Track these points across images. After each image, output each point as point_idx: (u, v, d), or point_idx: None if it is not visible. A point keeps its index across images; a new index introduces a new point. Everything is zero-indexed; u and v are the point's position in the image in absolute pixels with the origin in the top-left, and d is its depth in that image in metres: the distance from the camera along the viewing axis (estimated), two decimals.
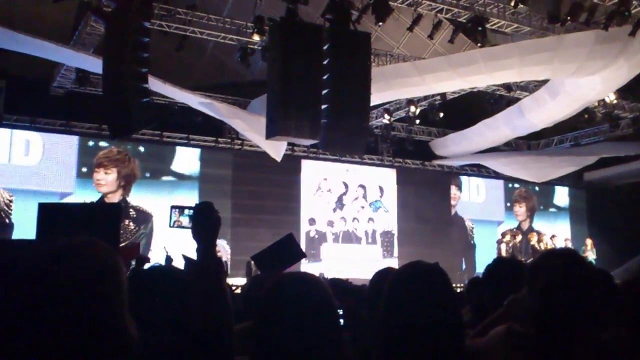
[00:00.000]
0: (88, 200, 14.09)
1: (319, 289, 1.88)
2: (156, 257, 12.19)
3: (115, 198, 14.56)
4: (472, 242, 18.69)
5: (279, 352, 1.77)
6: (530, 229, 19.10)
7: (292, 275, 2.07)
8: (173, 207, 2.70)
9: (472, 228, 18.80)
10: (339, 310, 1.93)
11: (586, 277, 2.25)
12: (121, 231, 13.44)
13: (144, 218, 14.77)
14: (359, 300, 4.10)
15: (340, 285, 5.45)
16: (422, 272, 2.16)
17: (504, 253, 16.76)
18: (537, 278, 2.29)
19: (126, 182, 14.78)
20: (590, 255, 17.09)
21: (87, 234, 1.68)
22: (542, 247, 17.01)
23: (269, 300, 1.88)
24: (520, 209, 19.60)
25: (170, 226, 2.69)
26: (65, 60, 12.13)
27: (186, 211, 2.66)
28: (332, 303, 1.88)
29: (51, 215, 3.25)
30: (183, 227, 2.64)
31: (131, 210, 14.62)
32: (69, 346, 1.47)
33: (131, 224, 14.60)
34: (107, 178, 14.65)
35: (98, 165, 14.58)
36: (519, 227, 19.14)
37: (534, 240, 17.47)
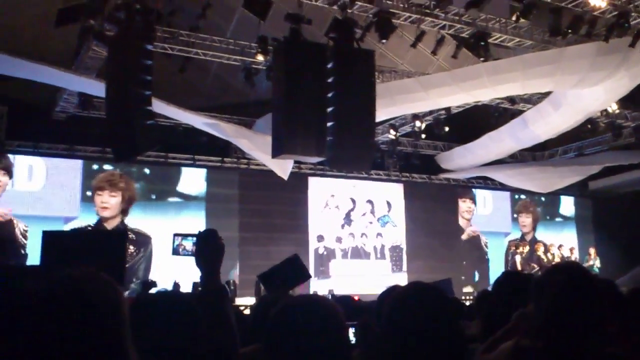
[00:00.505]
0: (92, 224, 14.15)
1: (327, 310, 1.88)
2: (158, 281, 12.22)
3: (115, 222, 14.54)
4: (485, 256, 18.62)
5: None
6: (535, 240, 19.04)
7: (300, 298, 2.06)
8: (176, 234, 2.69)
9: (487, 242, 18.74)
10: (350, 329, 1.93)
11: (591, 292, 2.26)
12: (130, 260, 13.40)
13: (143, 241, 14.69)
14: (370, 316, 4.09)
15: (348, 303, 5.45)
16: (421, 292, 2.14)
17: (518, 264, 16.68)
18: (543, 294, 2.30)
19: (127, 205, 14.78)
20: (594, 264, 17.06)
21: (93, 262, 1.68)
22: (550, 258, 16.99)
23: (276, 324, 1.87)
24: (527, 220, 19.55)
25: (172, 254, 2.68)
26: (68, 85, 12.16)
27: (189, 238, 2.65)
28: (341, 323, 1.87)
29: (55, 242, 3.24)
30: (186, 255, 2.64)
31: (130, 233, 14.57)
32: None
33: (131, 247, 14.56)
34: (111, 201, 14.63)
35: (100, 189, 14.56)
36: (522, 239, 19.06)
37: (540, 251, 17.43)
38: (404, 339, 1.99)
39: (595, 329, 2.20)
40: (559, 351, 2.19)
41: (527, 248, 17.58)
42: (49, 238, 3.12)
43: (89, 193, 14.58)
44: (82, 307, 1.52)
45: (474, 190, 18.95)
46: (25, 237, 13.62)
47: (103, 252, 3.10)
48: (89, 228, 14.01)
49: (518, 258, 17.13)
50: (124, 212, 14.71)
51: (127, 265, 13.92)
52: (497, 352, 2.50)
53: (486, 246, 18.72)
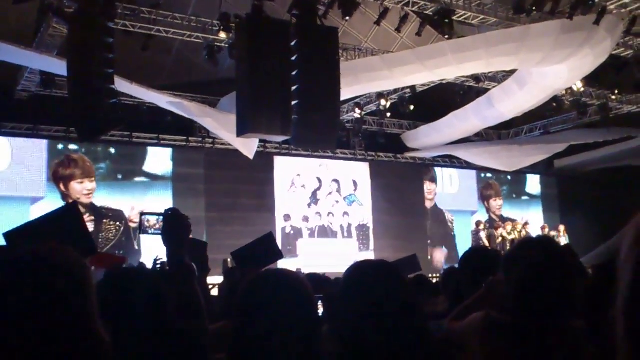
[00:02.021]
0: (58, 205, 13.95)
1: (297, 284, 1.88)
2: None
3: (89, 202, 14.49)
4: (452, 233, 18.81)
5: (258, 348, 1.76)
6: (503, 218, 19.27)
7: (269, 272, 2.06)
8: (142, 213, 2.67)
9: (452, 219, 18.92)
10: (318, 304, 1.92)
11: (563, 268, 2.26)
12: (103, 234, 13.41)
13: (118, 215, 14.72)
14: (336, 291, 4.09)
15: (318, 280, 5.46)
16: (371, 269, 2.13)
17: (486, 241, 16.84)
18: (514, 268, 2.30)
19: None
20: (563, 240, 17.32)
21: (62, 242, 1.65)
22: (516, 236, 17.19)
23: (246, 297, 1.86)
24: (498, 202, 19.76)
25: (140, 233, 2.68)
26: (29, 63, 11.92)
27: (156, 217, 2.64)
28: (311, 297, 1.88)
29: (18, 239, 3.16)
30: (156, 234, 2.62)
31: (104, 210, 14.49)
32: (38, 355, 1.43)
33: (111, 222, 14.51)
34: (93, 186, 14.63)
35: (76, 177, 14.43)
36: (491, 219, 19.24)
37: (508, 228, 17.62)
38: (359, 315, 1.98)
39: (565, 305, 2.19)
40: (527, 326, 2.20)
41: (499, 230, 17.68)
42: (11, 238, 3.02)
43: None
44: (45, 282, 1.47)
45: (434, 169, 19.06)
46: None
47: (65, 230, 3.04)
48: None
49: (483, 235, 17.27)
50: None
51: (116, 240, 14.13)
52: (466, 322, 2.50)
53: (452, 223, 18.91)
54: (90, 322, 1.53)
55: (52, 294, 1.49)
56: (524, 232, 17.47)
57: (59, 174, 14.37)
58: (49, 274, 1.51)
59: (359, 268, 2.12)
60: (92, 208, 14.45)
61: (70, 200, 13.84)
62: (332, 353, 2.01)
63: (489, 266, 3.37)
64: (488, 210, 19.62)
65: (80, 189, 14.43)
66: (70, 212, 3.26)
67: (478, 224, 18.11)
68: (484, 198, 19.69)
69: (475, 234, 17.93)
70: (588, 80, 13.77)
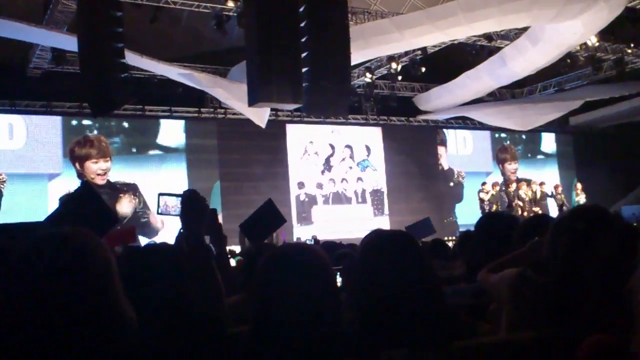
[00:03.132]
0: (75, 181, 14.09)
1: (315, 257, 1.90)
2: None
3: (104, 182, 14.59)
4: (464, 195, 18.77)
5: (279, 322, 1.79)
6: (518, 179, 19.16)
7: (287, 246, 2.11)
8: (161, 194, 2.70)
9: (464, 181, 18.84)
10: (336, 276, 1.96)
11: (610, 244, 2.22)
12: (132, 209, 13.60)
13: (134, 188, 14.83)
14: (353, 261, 4.13)
15: (333, 248, 5.50)
16: (383, 240, 2.15)
17: (489, 202, 16.79)
18: (561, 237, 2.32)
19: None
20: (581, 198, 17.26)
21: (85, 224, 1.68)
22: (530, 196, 17.13)
23: (265, 272, 1.89)
24: (515, 165, 19.63)
25: (157, 213, 2.71)
26: (40, 40, 11.94)
27: (174, 198, 2.66)
28: (329, 269, 1.91)
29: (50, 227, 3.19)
30: (171, 215, 2.65)
31: (119, 186, 14.60)
32: (66, 333, 1.48)
33: (132, 197, 14.64)
34: (108, 165, 14.72)
35: (91, 157, 14.52)
36: (505, 181, 19.09)
37: (523, 189, 17.55)
38: (376, 285, 2.01)
39: (609, 282, 2.19)
40: (564, 289, 2.22)
41: (497, 188, 17.56)
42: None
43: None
44: (72, 261, 1.53)
45: (444, 131, 18.93)
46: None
47: (86, 209, 3.08)
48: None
49: (484, 196, 17.17)
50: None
51: (139, 214, 14.24)
52: (499, 275, 2.58)
53: (464, 185, 18.84)
54: (115, 299, 1.56)
55: (77, 272, 1.53)
56: (539, 193, 17.41)
57: (75, 154, 14.47)
58: (74, 254, 1.55)
59: (375, 238, 2.14)
60: (107, 185, 14.55)
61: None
62: (351, 322, 2.04)
63: (504, 231, 3.37)
64: (503, 173, 19.52)
65: (96, 168, 14.53)
66: (86, 190, 3.29)
67: (482, 185, 18.01)
68: (499, 161, 19.59)
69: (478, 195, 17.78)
70: (603, 34, 13.52)
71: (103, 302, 1.54)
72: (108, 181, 14.63)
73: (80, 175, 14.33)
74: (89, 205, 3.08)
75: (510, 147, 19.82)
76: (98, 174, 14.51)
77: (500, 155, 19.64)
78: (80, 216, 2.87)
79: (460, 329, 2.15)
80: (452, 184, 18.68)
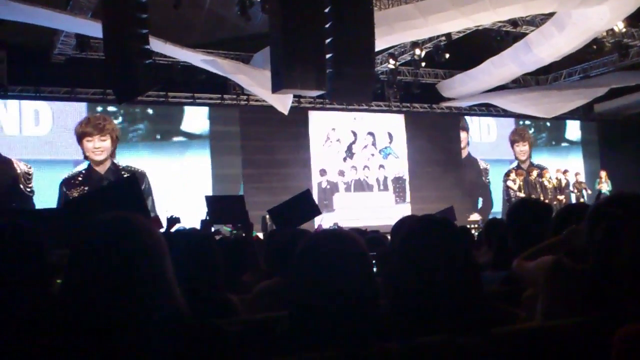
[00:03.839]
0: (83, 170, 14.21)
1: (353, 242, 1.93)
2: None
3: (107, 164, 14.57)
4: (487, 182, 18.66)
5: (319, 306, 1.81)
6: (532, 165, 19.01)
7: (326, 231, 2.11)
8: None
9: (487, 168, 18.74)
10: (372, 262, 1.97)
11: None
12: None
13: (141, 176, 14.62)
14: (388, 246, 4.15)
15: (360, 234, 5.49)
16: (431, 225, 2.15)
17: (517, 190, 16.64)
18: (599, 223, 2.28)
19: (115, 146, 14.75)
20: (605, 187, 17.08)
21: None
22: (549, 183, 16.97)
23: (305, 256, 1.91)
24: (525, 147, 19.42)
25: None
26: (64, 27, 11.99)
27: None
28: (366, 253, 1.93)
29: (77, 209, 3.23)
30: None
31: (123, 172, 14.60)
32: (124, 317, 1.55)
33: None
34: (103, 145, 14.58)
35: (89, 134, 14.45)
36: (519, 167, 18.92)
37: (534, 176, 17.40)
38: (416, 272, 2.01)
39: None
40: (601, 276, 2.20)
41: (522, 177, 17.43)
42: (70, 207, 3.12)
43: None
44: (136, 241, 1.62)
45: (465, 118, 18.77)
46: (28, 179, 13.70)
47: (125, 202, 3.12)
48: (82, 173, 14.17)
49: (512, 184, 17.04)
50: (113, 153, 14.71)
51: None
52: (536, 263, 2.57)
53: (486, 173, 18.72)
54: (167, 276, 1.62)
55: (140, 250, 1.62)
56: (554, 181, 17.22)
57: (77, 133, 14.48)
58: (137, 233, 1.65)
59: (416, 222, 2.13)
60: (111, 168, 14.59)
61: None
62: (388, 307, 2.04)
63: (536, 218, 3.35)
64: (515, 157, 19.36)
65: (90, 146, 14.46)
66: (130, 184, 3.32)
67: (509, 173, 17.86)
68: (511, 143, 19.42)
69: (506, 182, 17.67)
70: (630, 20, 13.30)
71: (157, 276, 1.61)
72: (114, 164, 14.64)
73: (85, 155, 14.43)
74: (130, 199, 3.11)
75: (521, 128, 19.56)
76: (93, 152, 14.43)
77: (512, 138, 19.45)
78: (117, 205, 2.91)
79: (498, 316, 2.14)
80: (475, 172, 18.56)
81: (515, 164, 19.02)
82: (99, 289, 1.53)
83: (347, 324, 1.77)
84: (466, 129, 18.79)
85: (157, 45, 10.85)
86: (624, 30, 13.91)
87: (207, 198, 5.65)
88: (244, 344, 1.85)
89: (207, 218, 5.14)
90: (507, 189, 17.12)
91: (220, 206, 5.67)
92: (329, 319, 1.77)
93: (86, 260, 1.58)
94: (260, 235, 12.03)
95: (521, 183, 16.96)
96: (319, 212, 5.45)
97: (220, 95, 15.64)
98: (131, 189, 3.20)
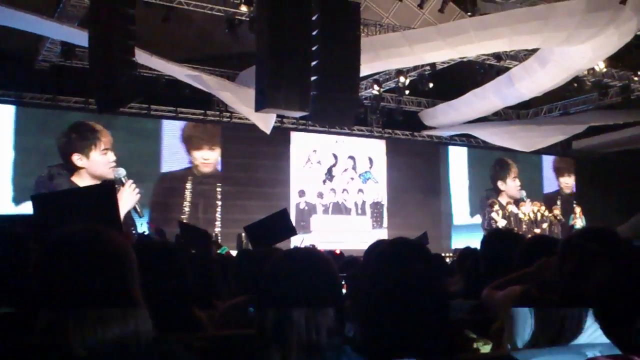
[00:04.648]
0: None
1: (323, 262, 1.91)
2: None
3: None
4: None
5: (284, 324, 1.78)
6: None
7: (296, 250, 2.11)
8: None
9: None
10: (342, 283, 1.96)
11: (621, 268, 2.21)
12: None
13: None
14: (357, 269, 4.14)
15: (334, 257, 5.48)
16: (405, 248, 2.15)
17: (499, 221, 16.71)
18: (570, 255, 2.31)
19: None
20: (579, 223, 17.24)
21: (88, 218, 1.74)
22: (523, 216, 17.08)
23: (274, 274, 1.89)
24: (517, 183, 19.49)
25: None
26: (50, 33, 11.94)
27: None
28: (335, 274, 1.91)
29: (45, 205, 3.18)
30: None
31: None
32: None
33: None
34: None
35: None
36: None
37: (522, 209, 17.49)
38: (387, 294, 2.00)
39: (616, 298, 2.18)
40: (567, 307, 2.22)
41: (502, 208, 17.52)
42: (38, 202, 3.06)
43: None
44: (100, 254, 1.61)
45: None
46: None
47: (95, 207, 3.07)
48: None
49: (496, 216, 17.11)
50: None
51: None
52: (504, 293, 2.62)
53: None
54: (132, 290, 1.63)
55: (104, 264, 1.61)
56: (539, 214, 17.35)
57: None
58: (103, 246, 1.64)
59: (389, 245, 2.13)
60: None
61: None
62: (354, 330, 2.03)
63: (509, 248, 3.37)
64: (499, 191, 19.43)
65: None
66: (105, 191, 3.28)
67: (491, 204, 17.93)
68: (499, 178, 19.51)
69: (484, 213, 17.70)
70: (611, 60, 13.58)
71: (121, 290, 1.60)
72: None
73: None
74: (103, 206, 3.08)
75: (512, 165, 19.73)
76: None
77: (501, 175, 19.55)
78: (89, 211, 2.88)
79: (463, 343, 2.15)
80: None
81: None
82: (57, 304, 1.52)
83: (311, 346, 1.76)
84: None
85: (142, 57, 10.83)
86: (605, 70, 14.20)
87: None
88: None
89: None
90: (490, 219, 17.17)
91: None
92: (293, 338, 1.76)
93: (49, 271, 1.57)
94: (234, 252, 11.98)
95: (502, 214, 17.05)
96: (294, 233, 5.43)
97: (203, 111, 15.62)
98: (106, 195, 3.15)
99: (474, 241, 4.53)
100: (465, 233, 18.15)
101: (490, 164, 19.50)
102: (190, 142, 15.49)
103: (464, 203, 18.86)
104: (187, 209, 15.06)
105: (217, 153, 15.67)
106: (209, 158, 15.53)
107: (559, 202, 19.62)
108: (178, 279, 2.47)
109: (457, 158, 19.15)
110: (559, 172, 20.24)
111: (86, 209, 2.93)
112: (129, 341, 1.54)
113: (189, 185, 15.30)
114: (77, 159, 14.05)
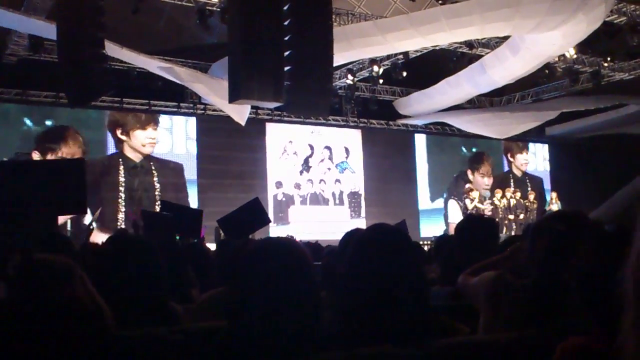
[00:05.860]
0: None
1: (296, 251, 1.89)
2: None
3: None
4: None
5: (258, 315, 1.77)
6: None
7: (269, 240, 2.07)
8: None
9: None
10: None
11: (590, 248, 2.22)
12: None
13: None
14: (333, 258, 4.13)
15: (311, 247, 5.48)
16: (384, 234, 2.15)
17: (471, 210, 16.86)
18: (541, 239, 2.34)
19: None
20: (555, 208, 17.45)
21: (51, 192, 1.75)
22: (498, 203, 17.24)
23: (248, 265, 1.88)
24: (489, 180, 19.53)
25: None
26: (17, 27, 11.73)
27: None
28: (309, 263, 1.90)
29: (11, 173, 3.11)
30: None
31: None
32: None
33: None
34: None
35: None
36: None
37: (497, 196, 17.66)
38: (367, 280, 2.00)
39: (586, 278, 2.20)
40: (542, 291, 2.24)
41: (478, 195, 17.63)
42: (3, 169, 2.98)
43: None
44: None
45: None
46: None
47: (61, 182, 3.00)
48: None
49: (468, 203, 17.24)
50: None
51: None
52: (478, 279, 2.62)
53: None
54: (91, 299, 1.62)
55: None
56: (513, 201, 17.53)
57: None
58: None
59: (370, 232, 2.13)
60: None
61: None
62: (331, 319, 2.03)
63: (483, 234, 3.39)
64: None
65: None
66: (75, 166, 3.22)
67: (468, 191, 18.04)
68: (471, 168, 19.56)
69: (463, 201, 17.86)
70: (581, 47, 13.70)
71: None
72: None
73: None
74: (71, 181, 3.03)
75: (485, 157, 19.81)
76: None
77: (475, 166, 19.57)
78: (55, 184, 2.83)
79: (441, 328, 2.15)
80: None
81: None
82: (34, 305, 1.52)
83: (286, 334, 1.75)
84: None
85: (113, 50, 10.70)
86: (575, 56, 14.34)
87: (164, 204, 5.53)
88: (182, 353, 1.81)
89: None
90: (465, 206, 17.30)
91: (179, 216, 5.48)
92: (268, 328, 1.75)
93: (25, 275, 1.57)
94: (213, 246, 11.91)
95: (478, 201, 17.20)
96: (268, 221, 5.42)
97: (176, 104, 15.49)
98: (75, 171, 3.10)
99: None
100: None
101: (463, 152, 19.60)
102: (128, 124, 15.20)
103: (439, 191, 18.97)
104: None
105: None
106: (154, 137, 15.29)
107: (512, 182, 19.63)
108: (152, 272, 2.45)
109: (430, 146, 19.22)
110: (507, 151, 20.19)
111: (53, 183, 2.87)
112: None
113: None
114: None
